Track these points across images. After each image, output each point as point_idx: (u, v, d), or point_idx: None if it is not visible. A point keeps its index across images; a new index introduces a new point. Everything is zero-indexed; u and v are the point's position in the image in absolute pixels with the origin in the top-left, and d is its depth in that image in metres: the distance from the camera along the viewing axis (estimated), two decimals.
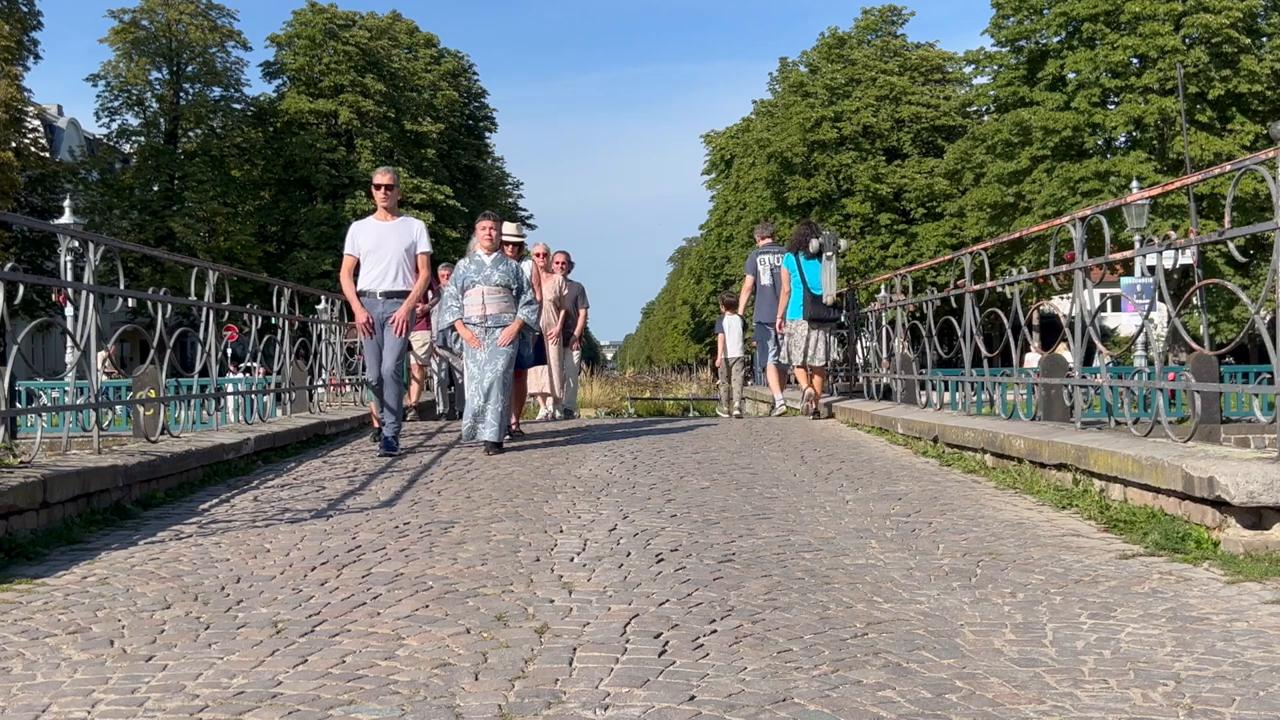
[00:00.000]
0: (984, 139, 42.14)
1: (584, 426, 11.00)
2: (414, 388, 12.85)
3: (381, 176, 8.37)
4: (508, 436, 8.68)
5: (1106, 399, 6.62)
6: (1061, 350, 9.46)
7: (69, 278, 8.97)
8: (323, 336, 12.16)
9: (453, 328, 8.57)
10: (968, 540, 4.64)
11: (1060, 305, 8.09)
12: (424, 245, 8.33)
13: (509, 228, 9.53)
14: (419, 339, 12.41)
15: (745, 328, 14.58)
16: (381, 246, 8.22)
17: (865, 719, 2.56)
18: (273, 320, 10.35)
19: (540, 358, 10.50)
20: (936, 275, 23.35)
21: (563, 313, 12.24)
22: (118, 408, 7.58)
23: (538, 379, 11.77)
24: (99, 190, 42.42)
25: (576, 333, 13.02)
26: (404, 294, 8.19)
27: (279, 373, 10.55)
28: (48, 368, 32.31)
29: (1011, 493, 5.99)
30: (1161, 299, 6.27)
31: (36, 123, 40.56)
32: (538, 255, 11.82)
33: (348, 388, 13.17)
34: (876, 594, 3.73)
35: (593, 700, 2.68)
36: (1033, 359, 12.14)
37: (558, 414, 12.42)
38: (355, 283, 8.26)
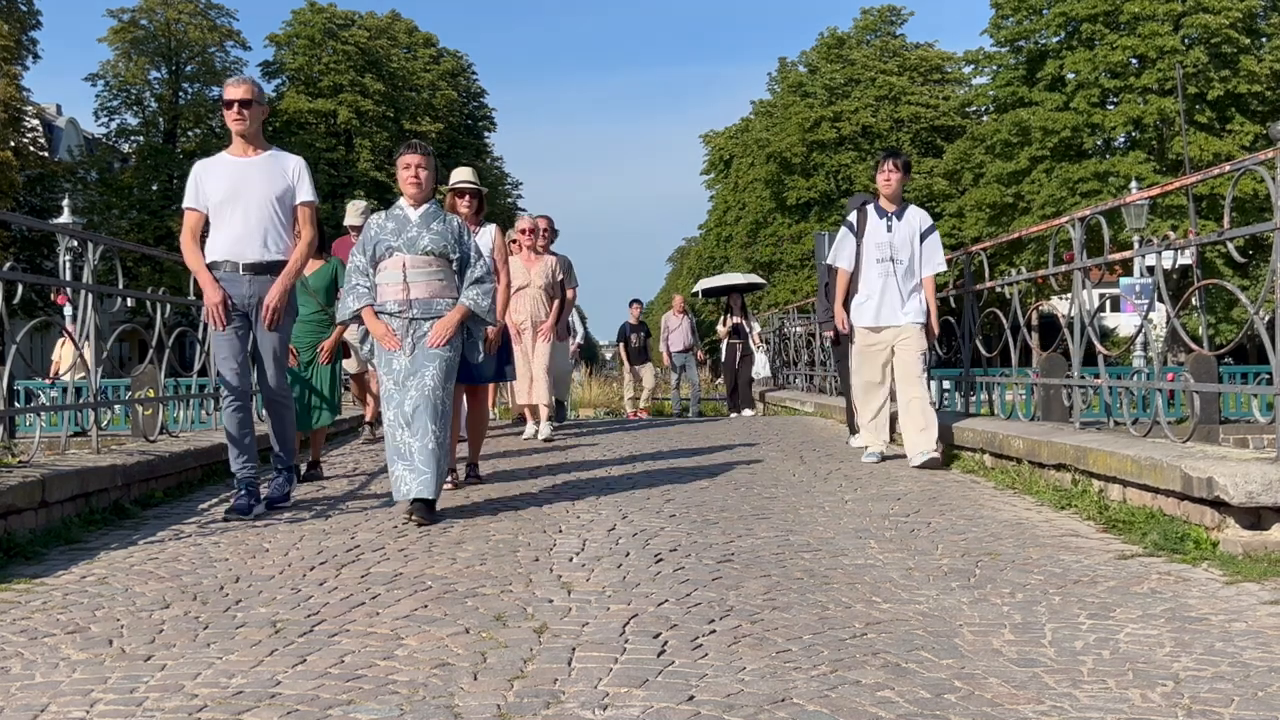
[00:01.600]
0: (983, 139, 42.16)
1: (584, 426, 11.00)
2: (371, 402, 9.57)
3: (234, 89, 5.54)
4: (451, 483, 6.13)
5: (1105, 399, 6.62)
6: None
7: (68, 277, 8.98)
8: None
9: (360, 319, 5.39)
10: (966, 540, 4.64)
11: (1060, 305, 8.09)
12: (305, 193, 5.62)
13: (463, 173, 6.93)
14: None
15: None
16: (239, 195, 5.48)
17: (864, 719, 2.56)
18: None
19: (502, 370, 7.25)
20: None
21: (556, 302, 9.28)
22: (116, 407, 7.58)
23: (525, 387, 9.14)
24: (98, 190, 42.41)
25: (566, 316, 9.85)
26: (278, 266, 5.52)
27: None
28: (46, 367, 32.25)
29: (1010, 493, 5.99)
30: (1161, 299, 6.27)
31: (35, 122, 40.57)
32: (523, 232, 9.19)
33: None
34: (875, 594, 3.73)
35: (592, 700, 2.68)
36: None
37: (549, 431, 9.12)
38: (203, 250, 5.55)
